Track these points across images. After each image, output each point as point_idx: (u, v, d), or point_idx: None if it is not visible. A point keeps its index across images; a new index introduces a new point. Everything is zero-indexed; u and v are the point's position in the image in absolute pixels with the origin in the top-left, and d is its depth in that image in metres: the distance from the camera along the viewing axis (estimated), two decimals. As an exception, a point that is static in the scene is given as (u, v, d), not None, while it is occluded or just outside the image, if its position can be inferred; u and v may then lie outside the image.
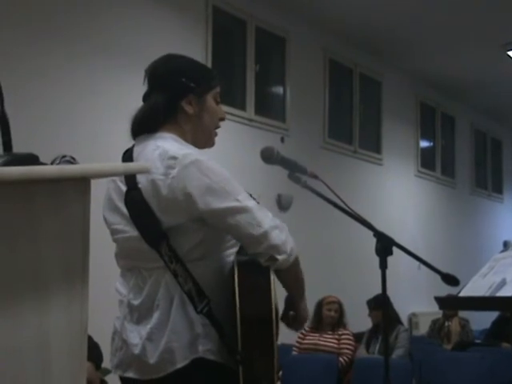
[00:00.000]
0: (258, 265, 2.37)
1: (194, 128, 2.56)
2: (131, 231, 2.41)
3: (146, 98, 2.59)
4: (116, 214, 2.49)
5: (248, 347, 2.28)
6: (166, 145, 2.42)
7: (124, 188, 2.44)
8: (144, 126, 2.54)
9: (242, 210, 2.33)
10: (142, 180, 2.37)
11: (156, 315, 2.37)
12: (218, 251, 2.44)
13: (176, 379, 2.34)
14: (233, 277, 2.33)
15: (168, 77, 2.56)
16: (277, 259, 2.35)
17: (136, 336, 2.41)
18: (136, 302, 2.44)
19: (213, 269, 2.41)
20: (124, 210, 2.44)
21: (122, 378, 2.50)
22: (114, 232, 2.52)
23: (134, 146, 2.56)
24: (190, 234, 2.36)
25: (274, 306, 2.33)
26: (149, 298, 2.40)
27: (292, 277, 2.50)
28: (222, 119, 2.66)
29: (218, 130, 2.67)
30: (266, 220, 2.36)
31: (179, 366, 2.33)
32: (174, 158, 2.34)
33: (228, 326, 2.34)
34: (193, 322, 2.34)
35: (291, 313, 2.66)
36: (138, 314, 2.43)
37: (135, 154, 2.49)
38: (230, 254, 2.47)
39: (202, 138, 2.60)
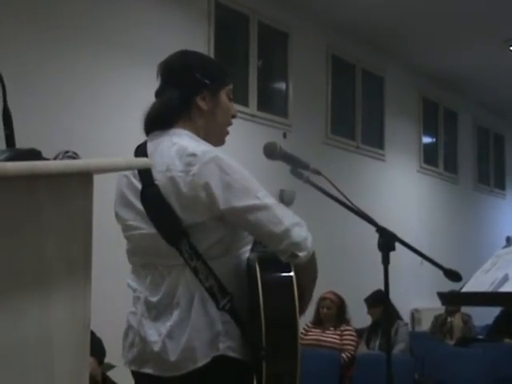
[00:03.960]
0: (278, 261, 2.38)
1: (207, 124, 2.56)
2: (147, 228, 2.40)
3: (158, 93, 2.58)
4: (130, 209, 2.47)
5: (272, 343, 2.27)
6: (183, 142, 2.41)
7: (139, 184, 2.43)
8: (158, 121, 2.53)
9: (263, 208, 2.34)
10: (159, 177, 2.36)
11: (176, 313, 2.36)
12: (236, 248, 2.44)
13: (197, 377, 2.34)
14: (254, 273, 2.33)
15: (182, 73, 2.55)
16: (298, 256, 2.37)
17: (155, 333, 2.40)
18: (154, 299, 2.43)
19: (232, 265, 2.41)
20: (139, 205, 2.43)
21: (137, 373, 2.50)
22: (127, 228, 2.51)
23: (146, 141, 2.54)
24: (210, 232, 2.36)
25: (297, 303, 2.33)
26: (167, 295, 2.39)
27: (308, 271, 2.51)
28: (234, 116, 2.67)
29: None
30: (287, 217, 2.37)
31: (200, 364, 2.32)
32: (194, 155, 2.33)
33: (249, 321, 2.34)
34: (213, 320, 2.34)
35: None
36: (156, 311, 2.42)
37: (149, 151, 2.48)
38: (246, 250, 2.48)
39: (215, 135, 2.60)
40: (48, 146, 1.54)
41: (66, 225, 1.48)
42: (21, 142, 1.56)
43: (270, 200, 2.37)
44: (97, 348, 4.40)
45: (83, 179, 1.50)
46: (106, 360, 4.51)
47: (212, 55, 7.54)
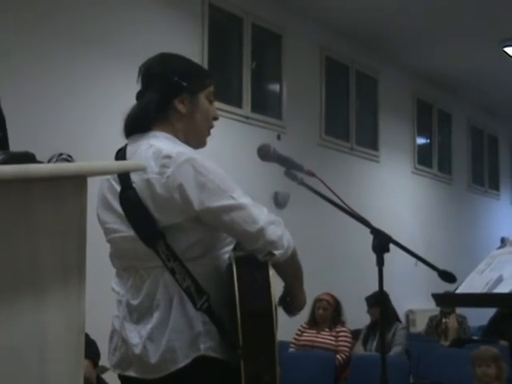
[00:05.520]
0: (255, 259, 2.39)
1: (186, 127, 2.56)
2: (127, 230, 2.42)
3: (139, 96, 2.59)
4: (110, 212, 2.49)
5: (249, 342, 2.29)
6: (160, 144, 2.42)
7: (118, 187, 2.44)
8: (137, 124, 2.54)
9: (237, 208, 2.34)
10: (136, 179, 2.38)
11: (156, 315, 2.38)
12: (216, 249, 2.45)
13: (178, 378, 2.35)
14: (231, 273, 2.33)
15: (161, 75, 2.56)
16: (274, 254, 2.37)
17: (136, 336, 2.41)
18: (135, 302, 2.44)
19: (211, 266, 2.42)
20: (119, 209, 2.44)
21: (122, 377, 2.51)
22: (108, 231, 2.52)
23: (126, 145, 2.56)
24: (187, 233, 2.37)
25: (273, 301, 2.35)
26: (148, 297, 2.41)
27: (290, 269, 2.52)
28: (216, 118, 2.66)
29: (213, 128, 2.67)
30: (262, 216, 2.37)
31: (181, 365, 2.34)
32: (169, 156, 2.35)
33: (228, 322, 2.34)
34: (193, 321, 2.35)
35: (287, 299, 2.67)
36: (138, 314, 2.44)
37: (129, 154, 2.50)
38: (228, 251, 2.48)
39: (194, 138, 2.60)
40: (34, 147, 1.54)
41: (60, 227, 1.48)
42: (14, 146, 1.56)
43: (245, 200, 2.37)
44: (91, 350, 4.39)
45: (77, 182, 1.50)
46: (101, 363, 4.50)
47: (206, 57, 7.55)
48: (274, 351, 2.33)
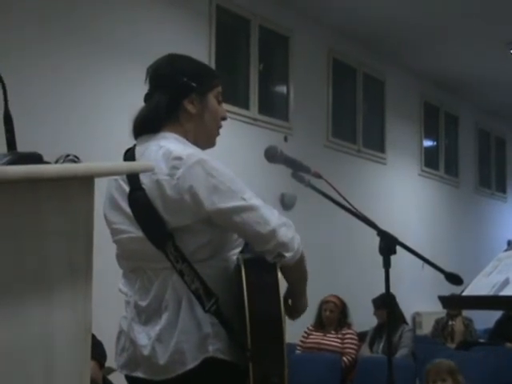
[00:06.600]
0: (264, 262, 2.38)
1: (196, 127, 2.56)
2: (135, 231, 2.41)
3: (147, 97, 2.59)
4: (119, 213, 2.48)
5: (257, 344, 2.29)
6: (170, 145, 2.42)
7: (127, 188, 2.44)
8: (146, 125, 2.54)
9: (249, 209, 2.34)
10: (145, 180, 2.37)
11: (165, 316, 2.37)
12: (224, 251, 2.45)
13: (187, 380, 2.35)
14: (239, 275, 2.33)
15: (170, 76, 2.56)
16: (284, 256, 2.36)
17: (144, 337, 2.41)
18: (143, 304, 2.44)
19: (219, 268, 2.42)
20: (127, 209, 2.43)
21: (129, 378, 2.51)
22: (115, 232, 2.51)
23: (135, 145, 2.56)
24: (196, 235, 2.37)
25: (281, 303, 2.34)
26: (156, 298, 2.40)
27: (297, 273, 2.51)
28: (224, 118, 2.66)
29: (220, 130, 2.68)
30: (273, 218, 2.37)
31: (190, 366, 2.33)
32: (179, 158, 2.34)
33: (237, 323, 2.34)
34: (201, 323, 2.34)
35: (289, 301, 2.66)
36: (146, 315, 2.43)
37: (137, 155, 2.49)
38: (236, 253, 2.48)
39: (204, 138, 2.60)
40: (36, 148, 1.54)
41: (68, 228, 1.48)
42: (21, 146, 1.57)
43: (256, 201, 2.37)
44: (98, 351, 4.39)
45: (84, 183, 1.51)
46: (107, 364, 4.50)
47: (213, 59, 7.55)
48: (282, 353, 2.33)
